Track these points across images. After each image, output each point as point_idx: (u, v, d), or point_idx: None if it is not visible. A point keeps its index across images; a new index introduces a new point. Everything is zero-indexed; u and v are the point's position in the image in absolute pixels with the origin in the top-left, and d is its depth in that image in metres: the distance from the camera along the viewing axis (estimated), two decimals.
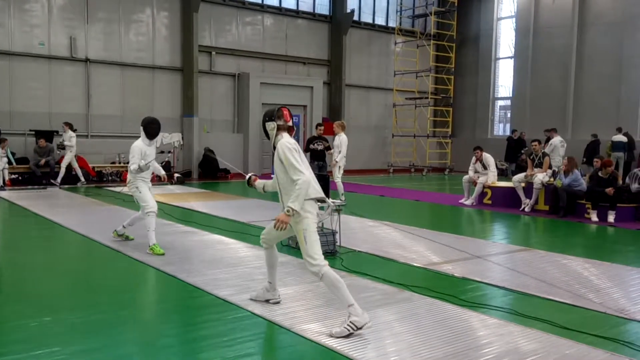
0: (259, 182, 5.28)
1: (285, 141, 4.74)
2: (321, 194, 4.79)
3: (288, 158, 4.62)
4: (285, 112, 4.90)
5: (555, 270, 6.78)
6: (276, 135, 4.84)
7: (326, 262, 4.57)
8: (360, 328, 4.40)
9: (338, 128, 12.46)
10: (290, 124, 4.92)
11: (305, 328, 4.60)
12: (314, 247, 4.59)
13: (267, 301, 5.21)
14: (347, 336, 4.35)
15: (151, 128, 7.46)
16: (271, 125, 4.85)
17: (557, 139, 15.45)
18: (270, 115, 4.89)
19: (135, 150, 7.38)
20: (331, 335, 4.38)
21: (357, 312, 4.42)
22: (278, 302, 5.19)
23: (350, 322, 4.39)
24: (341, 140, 12.23)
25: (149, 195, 7.50)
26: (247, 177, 5.36)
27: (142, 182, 7.48)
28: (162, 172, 7.97)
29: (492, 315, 5.05)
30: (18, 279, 6.26)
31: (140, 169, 7.33)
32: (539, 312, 5.11)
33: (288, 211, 4.55)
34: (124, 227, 7.93)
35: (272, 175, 5.39)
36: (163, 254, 7.14)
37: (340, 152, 12.16)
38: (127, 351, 4.19)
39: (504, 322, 4.86)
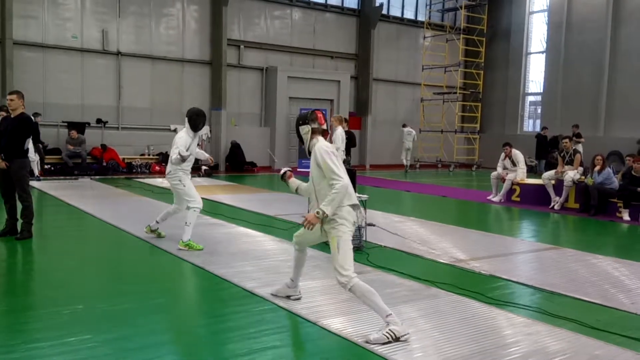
0: (294, 181, 5.08)
1: (323, 144, 4.62)
2: (355, 201, 4.60)
3: (326, 162, 4.47)
4: (320, 115, 4.78)
5: (584, 270, 6.68)
6: (311, 139, 4.73)
7: (356, 274, 4.39)
8: (399, 338, 4.20)
9: (335, 122, 11.85)
10: (324, 127, 4.78)
11: (331, 322, 4.62)
12: (346, 257, 4.40)
13: (287, 297, 5.17)
14: (384, 344, 4.16)
15: (195, 120, 7.13)
16: (305, 129, 4.73)
17: (406, 130, 20.39)
18: (304, 118, 4.77)
19: (180, 142, 7.04)
20: (367, 342, 4.20)
21: (396, 322, 4.24)
22: (299, 299, 5.15)
23: (390, 329, 4.21)
24: (336, 135, 11.55)
25: (194, 190, 7.24)
26: (283, 171, 5.17)
27: (183, 174, 7.18)
28: (206, 155, 7.76)
29: (519, 314, 5.00)
30: (51, 267, 6.42)
31: (182, 159, 6.99)
32: (567, 312, 5.05)
33: (318, 213, 4.39)
34: (157, 222, 7.67)
35: (297, 169, 5.33)
36: (202, 249, 6.99)
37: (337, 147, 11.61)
38: (156, 340, 4.27)
39: (532, 321, 4.80)
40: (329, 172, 4.45)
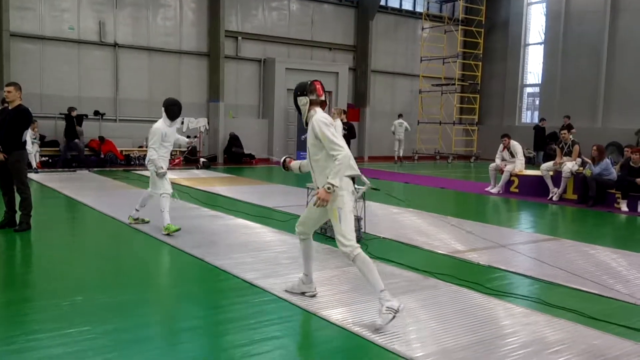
0: (295, 163, 5.15)
1: (320, 116, 4.60)
2: (357, 171, 4.68)
3: (325, 133, 4.48)
4: (318, 86, 4.73)
5: (582, 260, 6.69)
6: (309, 110, 4.69)
7: (359, 245, 4.46)
8: (398, 311, 4.28)
9: (335, 114, 12.05)
10: (322, 98, 4.76)
11: (331, 313, 4.62)
12: (348, 227, 4.45)
13: (302, 294, 5.02)
14: (390, 321, 4.24)
15: (171, 110, 7.59)
16: (303, 100, 4.70)
17: (398, 122, 20.47)
18: (302, 89, 4.72)
19: (156, 133, 7.47)
20: (377, 329, 4.24)
21: (388, 297, 4.31)
22: (314, 296, 4.99)
23: (387, 307, 4.27)
24: (336, 126, 11.81)
25: (166, 178, 7.61)
26: (282, 160, 5.23)
27: (162, 162, 7.59)
28: (186, 140, 8.09)
29: (518, 304, 5.01)
30: (50, 259, 6.42)
31: (156, 168, 7.42)
32: (565, 302, 5.06)
33: (328, 187, 4.38)
34: (137, 210, 8.02)
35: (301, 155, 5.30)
36: (179, 229, 7.27)
37: None
38: (155, 332, 4.28)
39: (530, 311, 4.82)
40: (329, 143, 4.45)
